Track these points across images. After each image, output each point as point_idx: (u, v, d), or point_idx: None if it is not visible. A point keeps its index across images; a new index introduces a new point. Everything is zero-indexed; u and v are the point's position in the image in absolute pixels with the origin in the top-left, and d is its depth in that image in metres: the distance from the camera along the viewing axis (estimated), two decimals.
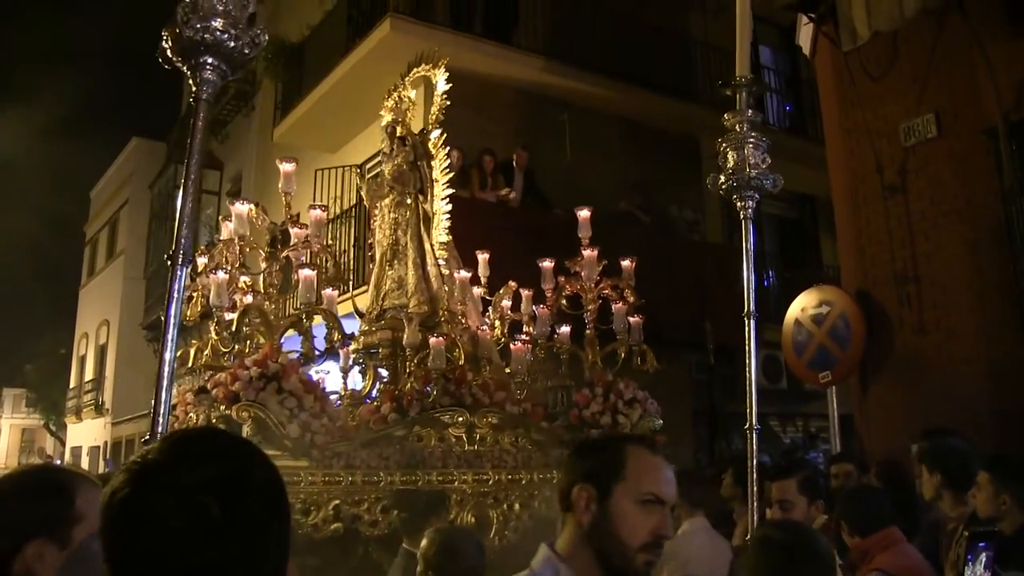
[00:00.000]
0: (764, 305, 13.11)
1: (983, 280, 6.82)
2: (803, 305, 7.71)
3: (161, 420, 2.39)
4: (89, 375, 26.45)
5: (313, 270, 5.39)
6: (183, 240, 2.48)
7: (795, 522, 3.41)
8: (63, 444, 30.84)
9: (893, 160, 7.42)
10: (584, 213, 6.49)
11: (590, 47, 12.58)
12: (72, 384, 28.72)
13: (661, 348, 10.08)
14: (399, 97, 6.90)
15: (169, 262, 2.48)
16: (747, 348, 3.25)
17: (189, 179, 2.59)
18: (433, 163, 6.65)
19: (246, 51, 2.56)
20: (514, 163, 11.39)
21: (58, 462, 29.53)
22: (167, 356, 2.43)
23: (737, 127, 3.32)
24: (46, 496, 1.96)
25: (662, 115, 13.06)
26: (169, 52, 2.54)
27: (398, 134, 6.73)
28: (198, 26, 2.45)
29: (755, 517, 3.18)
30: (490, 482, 5.45)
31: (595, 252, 6.36)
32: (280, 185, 5.63)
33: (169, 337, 2.42)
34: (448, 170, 6.68)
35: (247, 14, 2.56)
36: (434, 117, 6.76)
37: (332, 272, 5.91)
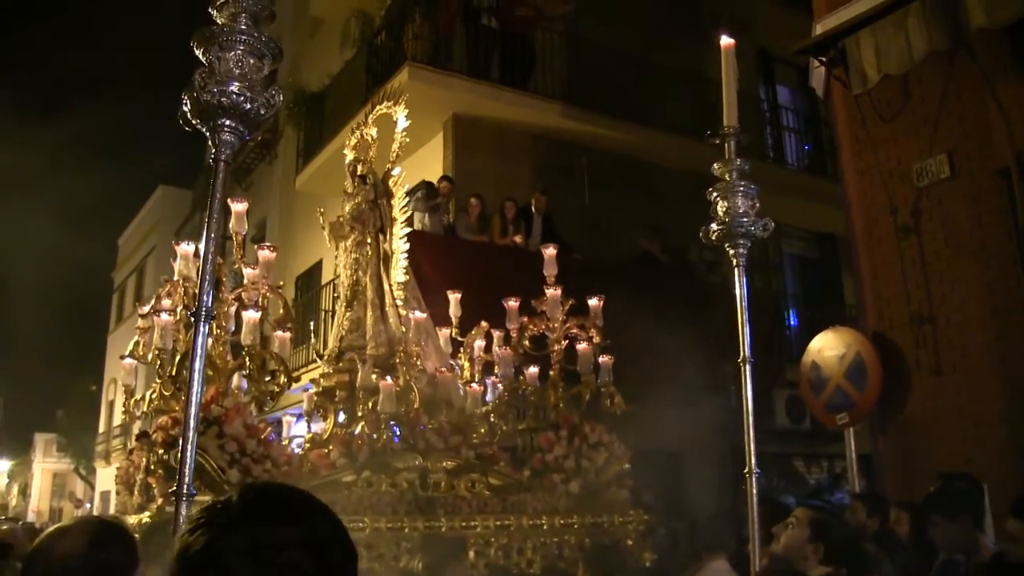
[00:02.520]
0: (786, 346, 13.23)
1: (999, 320, 6.81)
2: (820, 346, 7.71)
3: (187, 471, 2.44)
4: (118, 420, 26.63)
5: (258, 312, 5.26)
6: (205, 296, 2.56)
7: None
8: (93, 488, 31.04)
9: (907, 201, 7.44)
10: (550, 251, 6.36)
11: (606, 91, 12.72)
12: (101, 429, 28.94)
13: (682, 390, 10.16)
14: (362, 135, 6.77)
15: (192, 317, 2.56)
16: (744, 394, 3.28)
17: (211, 238, 2.65)
18: (393, 201, 6.53)
19: (262, 112, 2.65)
20: (533, 208, 11.48)
21: (88, 506, 29.74)
22: (192, 411, 2.48)
23: (726, 176, 3.38)
24: (127, 542, 2.22)
25: (680, 156, 13.13)
26: (189, 115, 2.65)
27: (359, 172, 6.60)
28: (215, 90, 2.55)
29: (757, 562, 3.20)
30: (443, 529, 5.24)
31: (559, 291, 6.22)
32: (231, 224, 5.47)
33: (193, 393, 2.48)
34: (405, 208, 6.56)
35: (262, 76, 2.67)
36: (395, 155, 6.65)
37: (282, 314, 5.75)
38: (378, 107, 6.85)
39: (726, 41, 3.58)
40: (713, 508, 10.78)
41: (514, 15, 12.58)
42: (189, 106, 2.62)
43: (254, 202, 18.93)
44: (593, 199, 12.74)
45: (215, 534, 1.21)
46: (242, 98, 2.58)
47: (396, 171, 6.60)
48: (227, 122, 2.60)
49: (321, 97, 14.84)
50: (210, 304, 2.58)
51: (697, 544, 5.39)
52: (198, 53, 2.62)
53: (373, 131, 6.76)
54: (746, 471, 3.25)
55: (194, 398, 2.50)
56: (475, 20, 12.44)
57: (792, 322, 15.51)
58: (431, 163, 12.51)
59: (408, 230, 6.57)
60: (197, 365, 2.51)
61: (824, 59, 7.79)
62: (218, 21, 2.68)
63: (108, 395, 28.76)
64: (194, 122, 2.66)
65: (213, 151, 2.66)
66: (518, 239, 11.04)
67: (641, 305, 9.47)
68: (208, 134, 2.64)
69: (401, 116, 6.61)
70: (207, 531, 1.21)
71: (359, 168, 6.61)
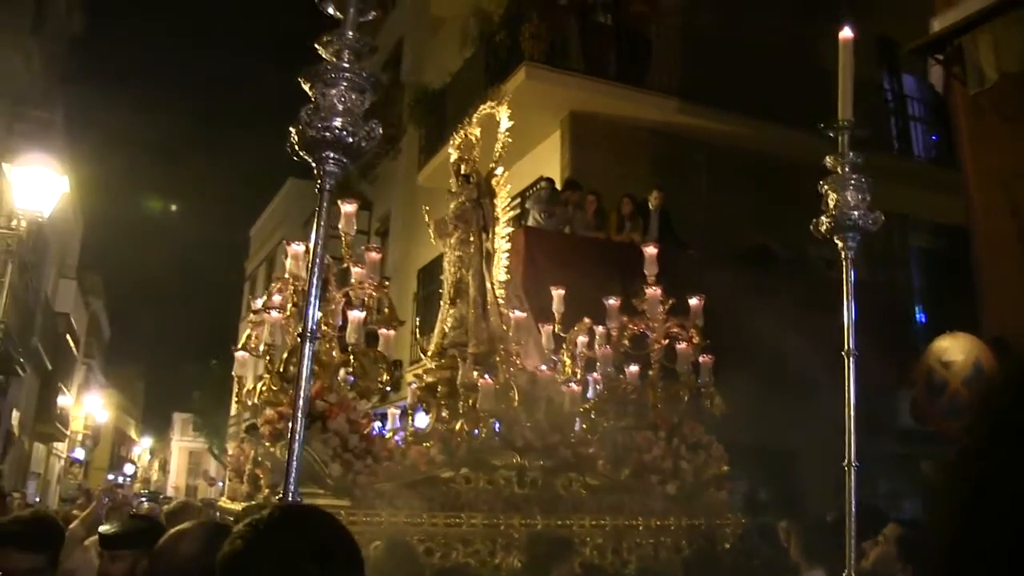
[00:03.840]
0: (914, 343, 12.86)
1: None
2: (938, 351, 7.54)
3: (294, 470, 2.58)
4: (255, 400, 27.59)
5: (363, 311, 5.44)
6: (311, 319, 2.72)
7: None
8: (225, 468, 32.35)
9: None
10: (651, 250, 6.35)
11: (723, 85, 12.56)
12: (233, 412, 30.11)
13: (799, 388, 10.02)
14: (466, 135, 6.88)
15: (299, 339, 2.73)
16: (847, 386, 3.29)
17: (316, 262, 2.79)
18: (496, 201, 6.64)
19: (363, 144, 2.82)
20: (649, 204, 11.48)
21: (220, 484, 31.15)
22: (298, 426, 2.63)
23: (839, 169, 3.41)
24: None
25: (797, 150, 12.87)
26: (296, 147, 2.85)
27: (463, 172, 6.72)
28: (320, 125, 2.73)
29: (852, 562, 3.19)
30: (538, 527, 5.28)
31: (658, 290, 6.20)
32: (340, 225, 5.63)
33: (299, 412, 2.63)
34: (513, 206, 6.69)
35: (364, 109, 2.84)
36: (497, 155, 6.72)
37: (387, 313, 5.90)
38: (482, 107, 6.97)
39: (844, 34, 3.59)
40: (830, 509, 10.63)
41: (630, 10, 12.59)
42: (296, 139, 2.81)
43: (379, 196, 19.59)
44: (710, 195, 12.63)
45: (247, 543, 1.55)
46: (345, 132, 2.74)
47: (499, 171, 6.71)
48: (331, 155, 2.77)
49: (442, 95, 15.13)
50: (316, 326, 2.73)
51: (800, 551, 5.31)
52: (305, 88, 2.81)
53: (476, 131, 6.89)
54: (844, 463, 3.24)
55: (299, 417, 2.63)
56: (590, 17, 12.49)
57: (920, 318, 15.05)
58: (549, 160, 12.65)
59: (509, 229, 6.71)
60: (303, 383, 2.64)
61: (940, 57, 7.57)
62: (324, 56, 2.87)
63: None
64: (302, 153, 2.85)
65: (318, 182, 2.83)
66: (635, 237, 11.07)
67: (758, 302, 9.41)
68: (314, 165, 2.82)
69: (504, 117, 6.70)
70: (243, 541, 1.56)
71: (463, 167, 6.76)
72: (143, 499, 20.96)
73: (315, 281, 2.76)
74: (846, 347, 3.34)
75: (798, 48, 13.50)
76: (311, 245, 2.88)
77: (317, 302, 2.75)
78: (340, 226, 5.68)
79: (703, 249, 11.50)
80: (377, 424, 7.09)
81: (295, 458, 2.58)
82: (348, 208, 5.73)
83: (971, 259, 14.93)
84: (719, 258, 11.40)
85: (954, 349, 7.39)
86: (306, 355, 2.64)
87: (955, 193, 11.88)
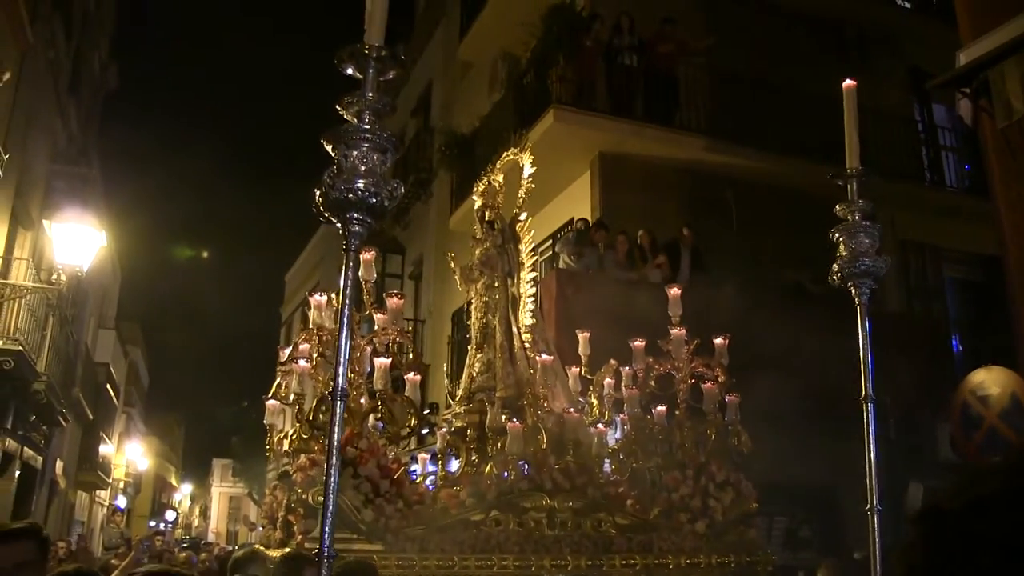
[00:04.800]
0: (951, 376, 12.68)
1: None
2: (972, 385, 7.45)
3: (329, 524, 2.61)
4: (286, 447, 27.73)
5: (388, 357, 5.53)
6: (340, 379, 2.75)
7: None
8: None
9: None
10: (675, 291, 6.38)
11: (751, 122, 12.59)
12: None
13: (839, 423, 9.91)
14: (489, 182, 6.95)
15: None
16: (866, 432, 3.28)
17: (343, 325, 2.81)
18: (520, 246, 6.71)
19: (386, 203, 2.87)
20: (680, 242, 11.48)
21: (260, 529, 31.21)
22: (331, 482, 2.66)
23: (849, 217, 3.43)
24: None
25: (827, 185, 12.79)
26: (321, 208, 2.91)
27: (487, 218, 6.80)
28: (343, 187, 2.79)
29: None
30: (569, 568, 5.32)
31: (683, 331, 6.24)
32: (360, 273, 5.65)
33: (332, 462, 2.66)
34: (536, 251, 6.73)
35: (386, 169, 2.90)
36: (521, 201, 6.79)
37: (412, 358, 6.00)
38: (505, 155, 7.06)
39: (847, 83, 3.64)
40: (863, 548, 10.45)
41: (657, 52, 12.66)
42: (321, 201, 2.87)
43: (412, 240, 19.71)
44: (741, 231, 12.61)
45: None
46: (367, 193, 2.79)
47: (523, 216, 6.80)
48: (355, 215, 2.82)
49: (472, 138, 15.23)
50: (345, 386, 2.76)
51: None
52: (328, 150, 2.87)
53: (500, 178, 6.98)
54: (867, 509, 3.23)
55: (333, 470, 2.66)
56: (617, 59, 12.58)
57: (956, 350, 14.83)
58: (580, 201, 12.70)
59: (534, 274, 6.77)
60: (335, 439, 2.66)
61: (967, 91, 7.55)
62: (346, 117, 2.92)
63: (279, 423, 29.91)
64: (326, 215, 2.91)
65: (344, 243, 2.87)
66: (661, 259, 11.06)
67: (792, 337, 9.35)
68: (339, 225, 2.87)
69: (527, 164, 6.78)
70: None
71: (487, 214, 6.84)
72: (183, 546, 21.01)
73: (343, 343, 2.79)
74: (864, 393, 3.33)
75: (826, 83, 13.47)
76: (335, 298, 2.91)
77: (346, 359, 2.78)
78: (360, 274, 5.74)
79: (736, 286, 11.44)
80: (415, 468, 7.14)
81: (330, 508, 2.63)
82: (365, 256, 5.81)
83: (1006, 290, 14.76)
84: (752, 295, 11.34)
85: (990, 382, 7.31)
86: (337, 413, 2.68)
87: (990, 222, 11.79)
